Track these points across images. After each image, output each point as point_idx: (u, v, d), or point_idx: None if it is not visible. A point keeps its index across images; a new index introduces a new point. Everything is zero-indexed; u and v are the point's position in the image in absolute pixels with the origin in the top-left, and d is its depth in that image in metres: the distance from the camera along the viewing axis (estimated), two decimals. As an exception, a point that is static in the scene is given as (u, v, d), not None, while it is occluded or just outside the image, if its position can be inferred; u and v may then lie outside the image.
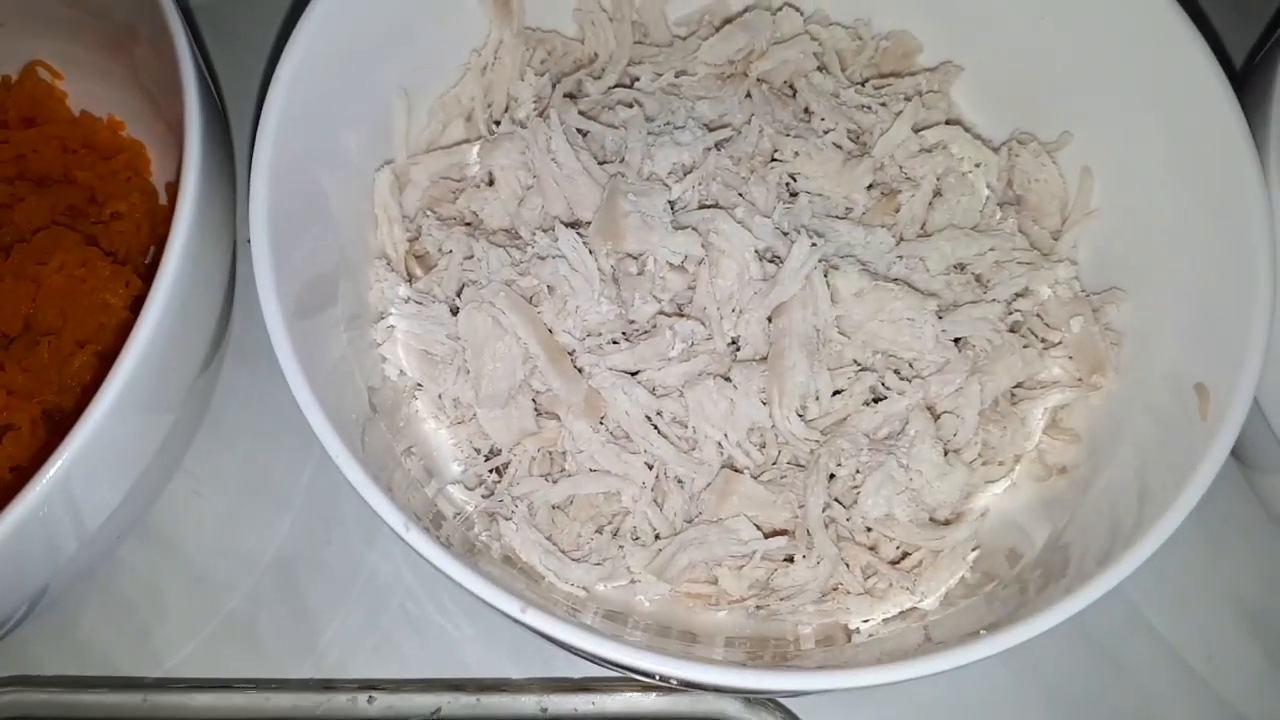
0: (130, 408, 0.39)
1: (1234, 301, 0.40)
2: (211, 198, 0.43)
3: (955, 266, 0.48)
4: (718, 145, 0.47)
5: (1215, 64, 0.42)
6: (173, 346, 0.41)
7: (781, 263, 0.44)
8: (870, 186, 0.49)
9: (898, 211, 0.48)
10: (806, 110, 0.50)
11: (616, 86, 0.51)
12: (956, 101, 0.53)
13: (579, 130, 0.48)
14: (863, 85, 0.52)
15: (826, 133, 0.49)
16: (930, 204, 0.49)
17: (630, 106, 0.48)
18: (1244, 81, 0.47)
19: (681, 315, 0.45)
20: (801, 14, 0.53)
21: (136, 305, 0.48)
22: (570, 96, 0.51)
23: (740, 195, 0.47)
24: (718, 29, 0.53)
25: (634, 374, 0.45)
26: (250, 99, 0.57)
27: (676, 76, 0.51)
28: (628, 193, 0.45)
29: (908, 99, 0.50)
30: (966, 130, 0.51)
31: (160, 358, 0.40)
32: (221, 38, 0.60)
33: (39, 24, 0.54)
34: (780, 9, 0.53)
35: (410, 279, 0.48)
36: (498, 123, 0.51)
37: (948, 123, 0.52)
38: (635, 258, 0.45)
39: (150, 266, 0.52)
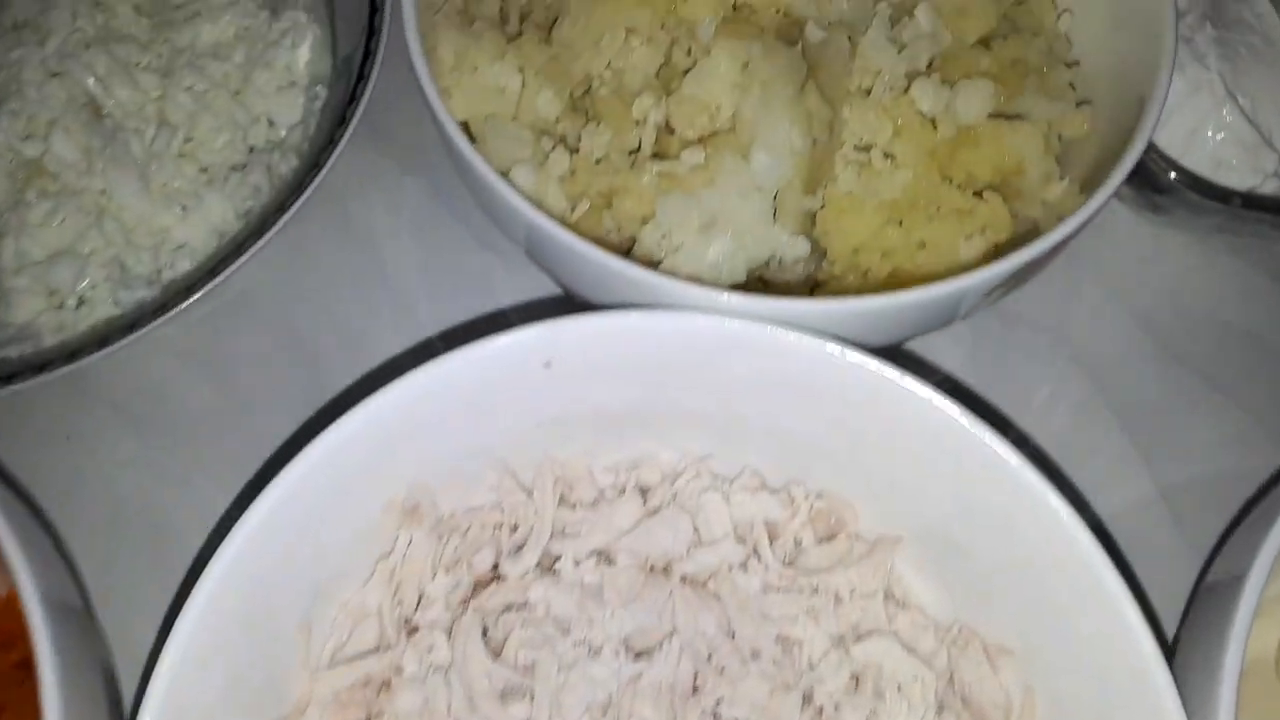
0: None
1: None
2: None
3: (896, 795, 0.45)
4: (636, 675, 0.45)
5: (1146, 630, 0.40)
6: None
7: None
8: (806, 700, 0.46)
9: (832, 742, 0.45)
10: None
11: (535, 567, 0.49)
12: (899, 568, 0.51)
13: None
14: (794, 558, 0.50)
15: (754, 654, 0.46)
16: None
17: (542, 635, 0.46)
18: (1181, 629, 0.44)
19: None
20: (728, 480, 0.51)
21: None
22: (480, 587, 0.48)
23: (662, 737, 0.44)
24: (643, 495, 0.51)
25: None
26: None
27: (597, 564, 0.49)
28: (533, 762, 0.42)
29: (839, 599, 0.48)
30: (905, 621, 0.49)
31: None
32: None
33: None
34: (707, 489, 0.50)
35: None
36: (408, 621, 0.48)
37: (889, 596, 0.50)
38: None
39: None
